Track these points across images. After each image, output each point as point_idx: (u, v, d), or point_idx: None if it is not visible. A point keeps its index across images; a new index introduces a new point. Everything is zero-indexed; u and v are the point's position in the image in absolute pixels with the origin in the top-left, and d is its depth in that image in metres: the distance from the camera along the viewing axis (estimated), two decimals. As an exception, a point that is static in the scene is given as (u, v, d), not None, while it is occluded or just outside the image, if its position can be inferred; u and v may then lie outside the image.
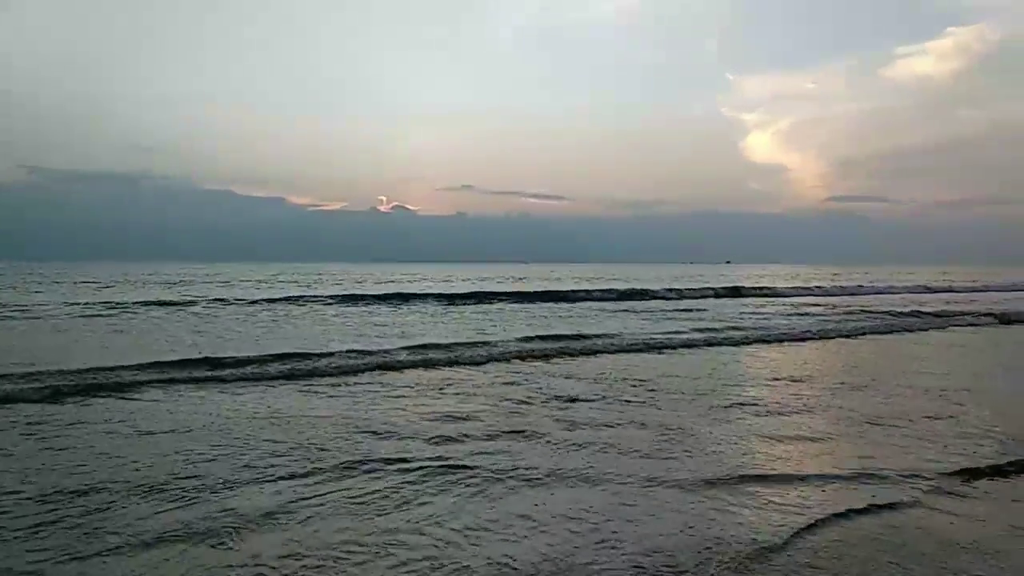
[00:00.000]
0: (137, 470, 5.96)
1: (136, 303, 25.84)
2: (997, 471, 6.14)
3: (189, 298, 29.07)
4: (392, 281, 51.54)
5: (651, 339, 16.14)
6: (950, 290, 45.66)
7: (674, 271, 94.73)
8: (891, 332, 19.46)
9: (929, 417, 8.26)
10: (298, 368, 11.31)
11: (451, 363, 12.35)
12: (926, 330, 20.11)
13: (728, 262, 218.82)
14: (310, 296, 30.83)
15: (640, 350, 14.63)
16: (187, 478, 5.75)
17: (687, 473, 5.97)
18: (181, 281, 46.75)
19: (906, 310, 25.56)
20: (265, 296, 30.64)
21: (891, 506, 5.23)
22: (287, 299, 29.26)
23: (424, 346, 13.90)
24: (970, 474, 6.02)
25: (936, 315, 24.09)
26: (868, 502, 5.27)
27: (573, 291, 36.13)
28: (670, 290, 37.81)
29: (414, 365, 12.06)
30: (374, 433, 7.27)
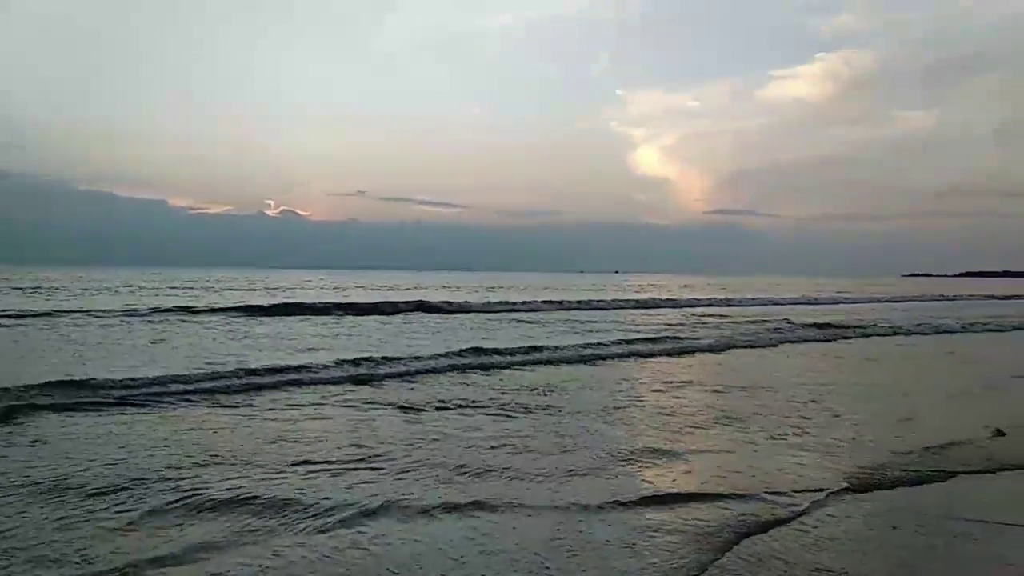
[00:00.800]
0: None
1: None
2: (883, 484, 6.33)
3: (64, 308, 26.75)
4: (285, 288, 49.77)
5: (562, 351, 16.12)
6: (840, 302, 48.55)
7: (568, 280, 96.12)
8: (785, 343, 20.10)
9: (820, 430, 8.52)
10: (192, 388, 10.46)
11: (353, 379, 11.83)
12: (830, 341, 20.93)
13: (617, 271, 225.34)
14: (199, 307, 29.03)
15: (551, 362, 14.57)
16: (75, 523, 5.04)
17: (588, 496, 5.86)
18: (57, 288, 43.17)
19: (804, 322, 26.06)
20: (153, 306, 28.62)
21: (781, 522, 5.29)
22: (174, 309, 27.44)
23: (339, 363, 13.01)
24: (855, 489, 6.16)
25: (833, 326, 24.53)
26: (762, 520, 5.31)
27: (475, 302, 35.91)
28: (573, 302, 38.26)
29: (318, 382, 11.49)
30: (276, 461, 6.77)
